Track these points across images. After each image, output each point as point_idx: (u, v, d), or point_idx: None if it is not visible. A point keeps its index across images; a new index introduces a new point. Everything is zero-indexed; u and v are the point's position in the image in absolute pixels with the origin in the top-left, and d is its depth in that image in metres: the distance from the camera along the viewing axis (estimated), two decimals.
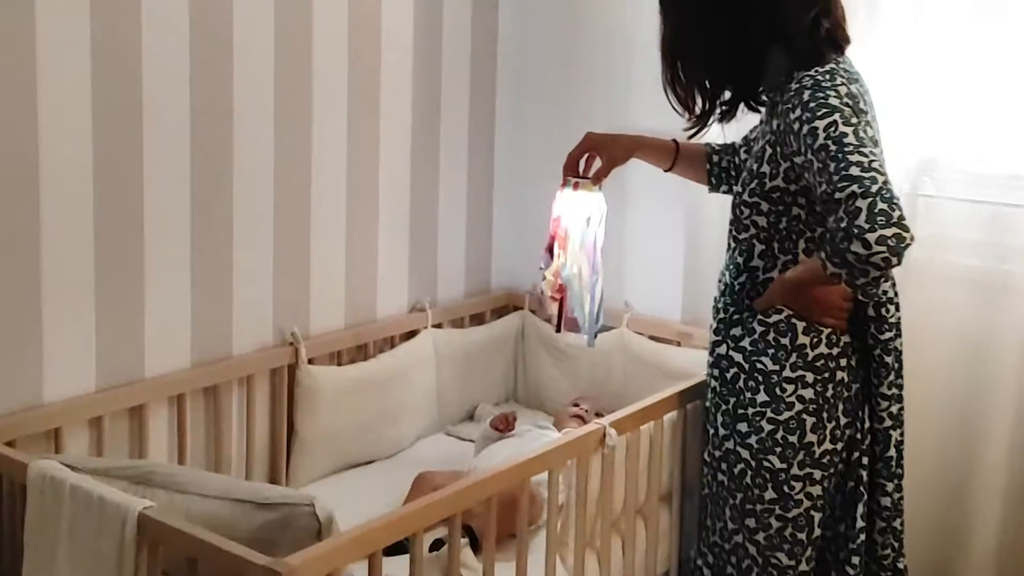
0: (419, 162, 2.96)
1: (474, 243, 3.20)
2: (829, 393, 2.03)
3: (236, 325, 2.52)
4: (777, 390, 2.02)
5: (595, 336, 2.30)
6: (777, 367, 2.02)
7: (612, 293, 3.02)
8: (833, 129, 1.82)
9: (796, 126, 1.88)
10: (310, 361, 2.64)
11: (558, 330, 2.31)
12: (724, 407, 2.11)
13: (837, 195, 1.78)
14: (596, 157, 2.30)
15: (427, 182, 3.01)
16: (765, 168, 2.01)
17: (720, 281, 2.19)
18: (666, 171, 2.39)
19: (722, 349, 2.12)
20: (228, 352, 2.52)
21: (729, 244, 2.15)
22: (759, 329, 2.05)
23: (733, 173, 2.38)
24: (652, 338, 2.95)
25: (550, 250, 2.26)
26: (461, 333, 3.10)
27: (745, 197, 2.05)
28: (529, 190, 3.19)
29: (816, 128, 1.84)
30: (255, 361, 2.55)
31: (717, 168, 2.39)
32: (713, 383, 2.16)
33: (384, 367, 2.81)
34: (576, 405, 2.86)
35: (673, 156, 2.36)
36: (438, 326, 3.04)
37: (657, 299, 2.98)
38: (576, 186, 2.23)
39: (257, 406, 2.58)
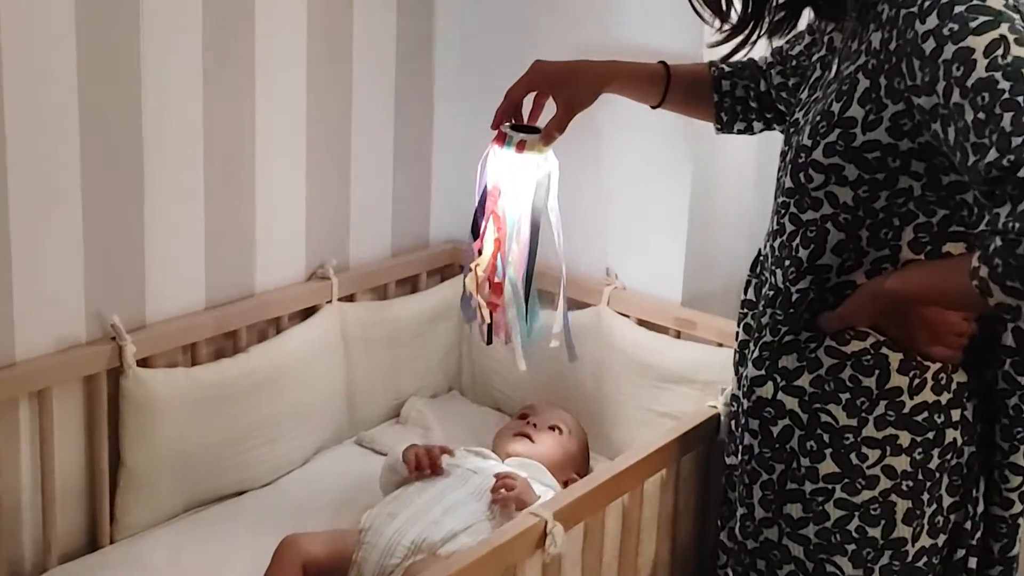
0: (319, 75, 2.09)
1: (406, 182, 2.35)
2: (933, 463, 1.37)
3: (21, 317, 1.70)
4: (853, 457, 1.36)
5: (573, 348, 1.64)
6: (854, 421, 1.35)
7: (588, 258, 2.20)
8: (1002, 52, 1.09)
9: (928, 44, 1.16)
10: (142, 362, 1.83)
11: (489, 341, 1.59)
12: (765, 477, 1.40)
13: None
14: (548, 96, 1.58)
15: (332, 101, 2.14)
16: (855, 111, 1.25)
17: (759, 279, 1.48)
18: (654, 107, 1.65)
19: (765, 389, 1.38)
20: (9, 357, 1.70)
21: (780, 225, 1.39)
22: (828, 362, 1.35)
23: (754, 105, 1.63)
24: (641, 323, 2.14)
25: (477, 232, 1.54)
26: (382, 307, 2.28)
27: (818, 155, 1.29)
28: (483, 113, 2.31)
29: (970, 50, 1.11)
30: (55, 367, 1.74)
31: (730, 99, 1.64)
32: (748, 439, 1.42)
33: (261, 364, 2.00)
34: (524, 417, 2.05)
35: (663, 86, 1.62)
36: (349, 298, 2.22)
37: (649, 270, 2.15)
38: (521, 146, 1.53)
39: (60, 431, 1.77)
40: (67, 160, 1.72)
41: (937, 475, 1.37)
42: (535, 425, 2.01)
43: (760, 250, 1.50)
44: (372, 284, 2.27)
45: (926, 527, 1.39)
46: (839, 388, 1.35)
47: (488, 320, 1.58)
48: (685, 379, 2.02)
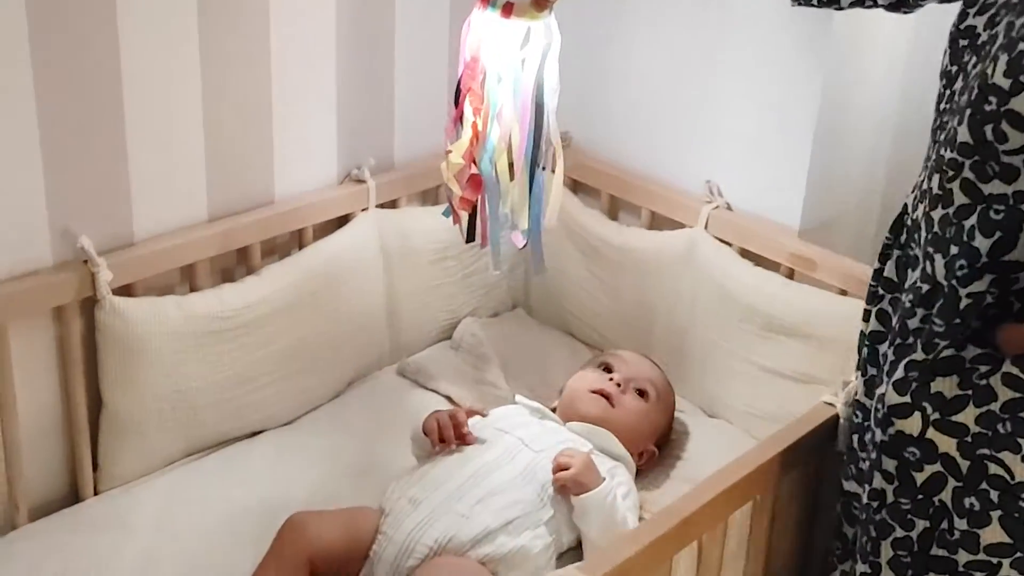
0: None
1: None
2: None
3: None
4: None
5: (541, 260, 1.37)
6: None
7: (684, 168, 1.79)
8: None
9: None
10: (124, 289, 1.51)
11: (470, 239, 1.39)
12: (900, 533, 1.06)
13: None
14: None
15: None
16: None
17: (903, 252, 1.09)
18: None
19: (910, 423, 1.03)
20: None
21: (945, 192, 0.98)
22: (1005, 394, 1.04)
23: None
24: (744, 254, 1.73)
25: (459, 114, 1.31)
26: (427, 213, 1.90)
27: (1020, 105, 0.89)
28: None
29: None
30: (11, 297, 1.43)
31: None
32: (879, 482, 1.06)
33: (275, 288, 1.66)
34: (608, 370, 1.67)
35: None
36: (390, 204, 1.85)
37: (761, 187, 1.73)
38: (508, 9, 1.25)
39: (24, 369, 1.47)
40: (10, 34, 1.35)
41: None
42: (620, 385, 1.62)
43: (906, 207, 1.07)
44: (420, 187, 1.90)
45: None
46: (1019, 431, 0.96)
47: (463, 218, 1.35)
48: (798, 331, 1.62)
